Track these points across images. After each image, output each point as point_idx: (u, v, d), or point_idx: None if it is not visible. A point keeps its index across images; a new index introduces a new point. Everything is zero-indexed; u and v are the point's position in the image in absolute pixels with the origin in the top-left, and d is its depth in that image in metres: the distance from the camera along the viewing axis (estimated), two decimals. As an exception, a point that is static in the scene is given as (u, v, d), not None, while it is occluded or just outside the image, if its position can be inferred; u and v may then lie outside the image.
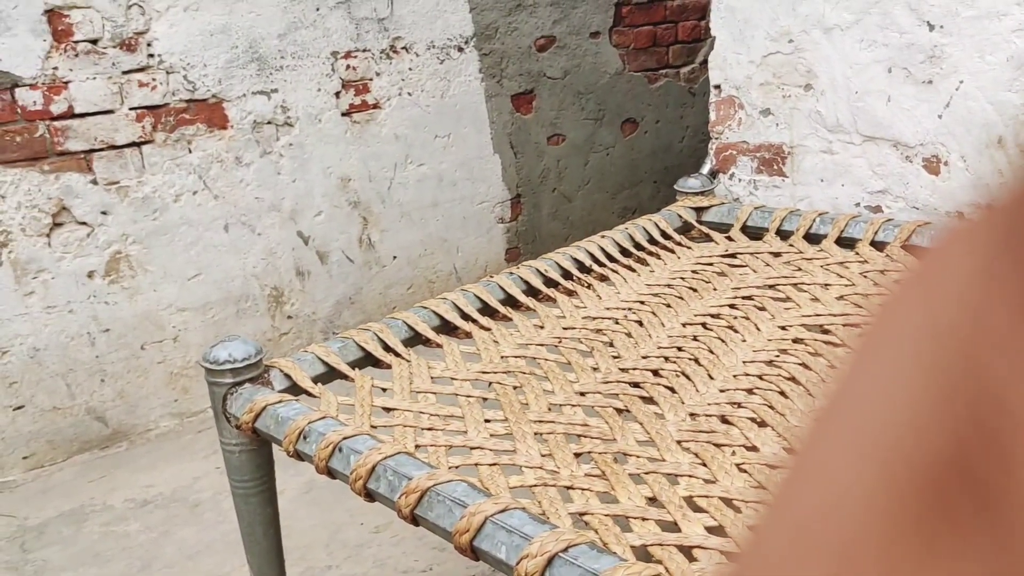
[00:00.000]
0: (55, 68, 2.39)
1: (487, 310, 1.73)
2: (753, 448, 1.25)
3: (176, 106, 2.59)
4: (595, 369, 1.51)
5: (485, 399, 1.43)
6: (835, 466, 0.16)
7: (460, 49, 3.17)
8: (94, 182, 2.48)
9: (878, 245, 1.87)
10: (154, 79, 2.54)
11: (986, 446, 0.14)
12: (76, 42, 2.41)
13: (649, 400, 1.40)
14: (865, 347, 0.18)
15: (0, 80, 2.31)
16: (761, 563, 0.17)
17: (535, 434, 1.31)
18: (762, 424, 1.31)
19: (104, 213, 2.51)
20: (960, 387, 0.15)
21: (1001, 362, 0.14)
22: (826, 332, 1.59)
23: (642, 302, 1.76)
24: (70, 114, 2.42)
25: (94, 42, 2.43)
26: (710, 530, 1.08)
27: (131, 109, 2.52)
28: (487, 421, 1.35)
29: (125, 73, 2.49)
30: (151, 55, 2.53)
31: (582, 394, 1.43)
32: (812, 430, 0.18)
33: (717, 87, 2.33)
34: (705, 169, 2.36)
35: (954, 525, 0.14)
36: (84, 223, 2.48)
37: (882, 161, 2.06)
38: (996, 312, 0.15)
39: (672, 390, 1.43)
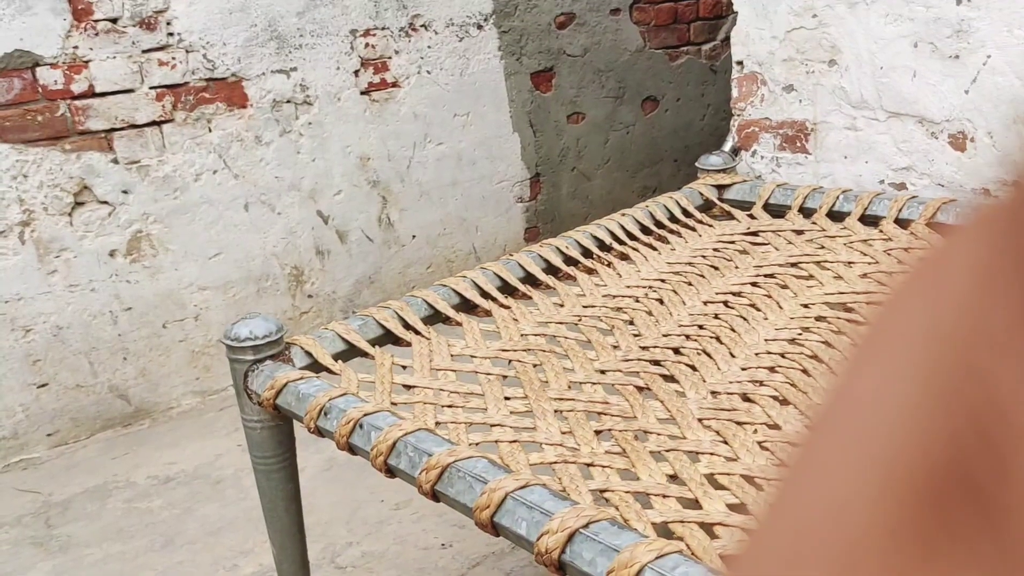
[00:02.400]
0: (75, 47, 2.39)
1: (507, 288, 1.72)
2: (775, 426, 1.25)
3: (196, 85, 2.59)
4: (615, 347, 1.51)
5: (505, 377, 1.43)
6: (834, 472, 0.16)
7: (479, 27, 3.15)
8: (115, 161, 2.49)
9: (902, 223, 1.84)
10: (174, 58, 2.54)
11: (985, 453, 0.14)
12: (96, 21, 2.41)
13: (670, 378, 1.40)
14: (864, 350, 0.17)
15: (21, 59, 2.32)
16: (760, 568, 0.17)
17: (555, 411, 1.31)
18: (784, 402, 1.30)
19: (125, 192, 2.52)
20: (960, 392, 0.15)
21: (1001, 367, 0.14)
22: (849, 310, 1.57)
23: (663, 280, 1.75)
24: (91, 93, 2.43)
25: (114, 21, 2.44)
26: (731, 507, 1.08)
27: (151, 88, 2.52)
28: (507, 399, 1.35)
29: (145, 52, 2.50)
30: (171, 34, 2.53)
31: (602, 372, 1.42)
32: (811, 434, 0.17)
33: (739, 63, 2.31)
34: (727, 146, 2.33)
35: (954, 533, 0.14)
36: (105, 202, 2.49)
37: (907, 138, 2.03)
38: (996, 316, 0.15)
39: (693, 368, 1.42)
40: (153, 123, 2.54)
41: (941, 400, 0.15)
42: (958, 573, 0.14)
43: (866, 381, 0.17)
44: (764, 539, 0.17)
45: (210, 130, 2.63)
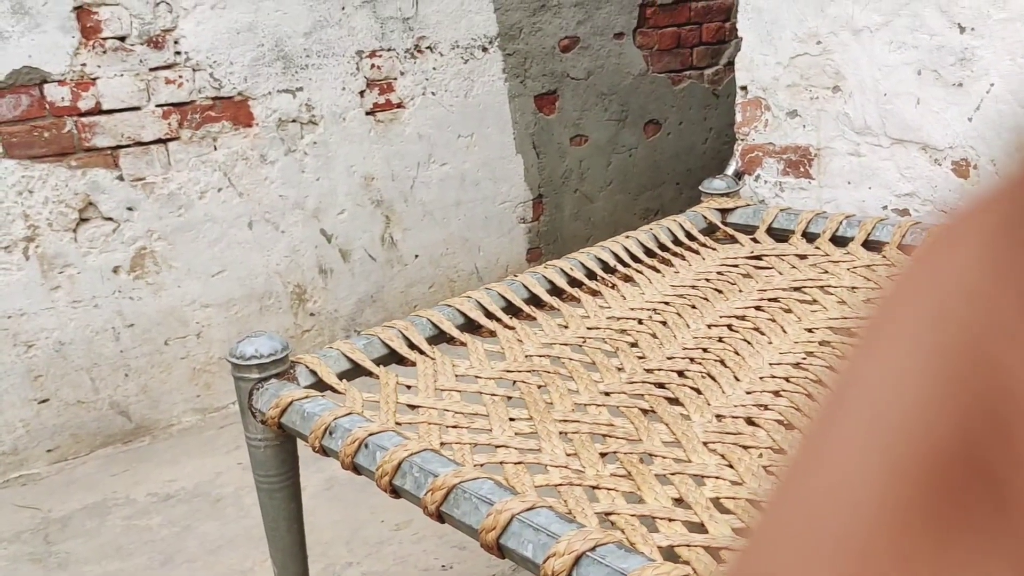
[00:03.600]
0: (83, 65, 2.41)
1: (511, 309, 1.73)
2: (780, 450, 1.24)
3: (202, 103, 2.60)
4: (620, 369, 1.51)
5: (510, 398, 1.43)
6: (844, 458, 0.16)
7: (484, 49, 3.17)
8: (120, 178, 2.50)
9: (906, 249, 1.85)
10: (181, 76, 2.56)
11: (995, 436, 0.14)
12: (104, 39, 2.43)
13: (675, 401, 1.40)
14: (871, 337, 0.17)
15: (29, 76, 2.34)
16: (770, 556, 0.17)
17: (560, 433, 1.31)
18: (789, 426, 1.31)
19: (130, 209, 2.52)
20: (967, 377, 0.15)
21: (1008, 351, 0.14)
22: (853, 335, 1.57)
23: (667, 303, 1.75)
24: (97, 110, 2.44)
25: (122, 39, 2.45)
26: (737, 531, 1.08)
27: (158, 106, 2.53)
28: (512, 420, 1.35)
29: (152, 70, 2.51)
30: (178, 52, 2.54)
31: (607, 394, 1.42)
32: (819, 420, 0.18)
33: (743, 88, 2.32)
34: (730, 170, 2.35)
35: (965, 515, 0.14)
36: (110, 219, 2.50)
37: (910, 164, 2.04)
38: (1002, 300, 0.15)
39: (698, 391, 1.42)
40: (159, 141, 2.55)
41: (950, 385, 0.15)
42: (971, 556, 0.14)
43: (875, 367, 0.17)
44: (776, 524, 0.17)
45: (215, 148, 2.64)
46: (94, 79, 2.43)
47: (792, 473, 0.18)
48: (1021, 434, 0.14)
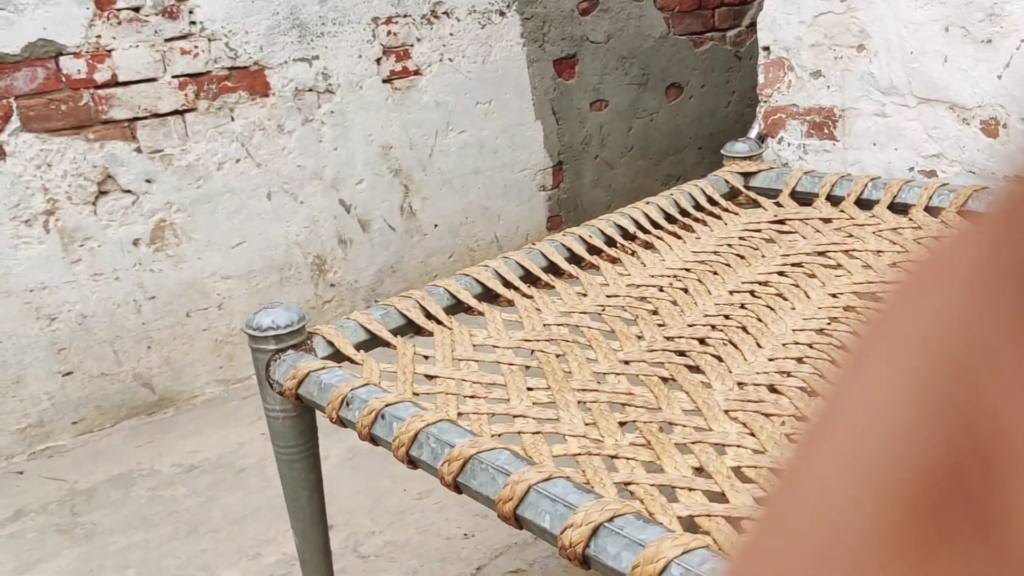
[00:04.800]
0: (98, 36, 2.39)
1: (529, 278, 1.71)
2: (803, 418, 1.22)
3: (218, 74, 2.59)
4: (640, 337, 1.49)
5: (528, 367, 1.41)
6: (829, 482, 0.16)
7: (502, 13, 3.12)
8: (138, 150, 2.49)
9: (933, 211, 1.81)
10: (196, 47, 2.54)
11: (979, 462, 0.14)
12: (119, 10, 2.41)
13: (695, 369, 1.38)
14: (858, 359, 0.17)
15: (45, 49, 2.33)
16: None
17: (579, 403, 1.29)
18: (812, 393, 1.28)
19: (148, 181, 2.52)
20: (953, 401, 0.15)
21: (994, 376, 0.14)
22: (878, 300, 1.54)
23: (688, 269, 1.73)
24: (114, 82, 2.43)
25: (136, 10, 2.44)
26: (759, 501, 1.06)
27: (174, 77, 2.52)
28: (530, 389, 1.34)
29: (167, 41, 2.49)
30: (193, 22, 2.52)
31: (626, 362, 1.41)
32: (805, 444, 0.18)
33: (766, 49, 2.27)
34: (753, 133, 2.30)
35: (949, 541, 0.14)
36: (129, 191, 2.50)
37: (937, 124, 1.99)
38: (989, 324, 0.15)
39: (719, 359, 1.40)
40: (176, 112, 2.54)
41: (935, 408, 0.15)
42: None
43: (861, 389, 0.17)
44: (758, 550, 0.17)
45: (233, 119, 2.63)
46: (109, 51, 2.42)
47: (778, 497, 0.18)
48: (1000, 455, 0.14)
